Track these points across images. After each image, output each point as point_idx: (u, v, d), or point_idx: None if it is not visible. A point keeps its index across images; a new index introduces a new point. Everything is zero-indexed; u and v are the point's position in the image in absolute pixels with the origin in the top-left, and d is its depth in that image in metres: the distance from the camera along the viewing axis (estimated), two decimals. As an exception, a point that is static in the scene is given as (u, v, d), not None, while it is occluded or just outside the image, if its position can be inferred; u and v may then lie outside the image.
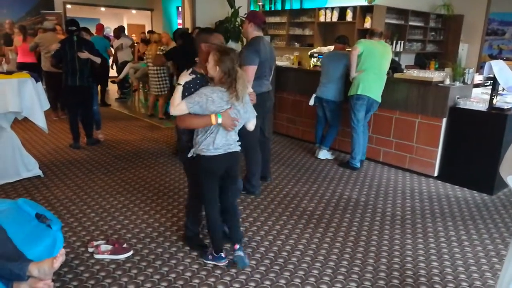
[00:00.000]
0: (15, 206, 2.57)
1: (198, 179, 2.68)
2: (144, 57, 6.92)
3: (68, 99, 5.39)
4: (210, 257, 2.76)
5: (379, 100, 4.63)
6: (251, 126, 2.73)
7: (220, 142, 2.54)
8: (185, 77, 2.55)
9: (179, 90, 2.50)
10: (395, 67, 5.21)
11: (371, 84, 4.54)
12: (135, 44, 9.65)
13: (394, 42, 7.78)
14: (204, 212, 2.75)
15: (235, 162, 2.71)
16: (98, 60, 5.24)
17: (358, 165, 4.81)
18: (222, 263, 2.72)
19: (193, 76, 2.56)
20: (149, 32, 9.62)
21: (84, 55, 5.06)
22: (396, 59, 6.55)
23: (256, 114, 2.73)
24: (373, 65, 4.52)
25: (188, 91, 2.51)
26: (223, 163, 2.61)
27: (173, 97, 2.50)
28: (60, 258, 2.06)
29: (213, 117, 2.43)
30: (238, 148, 2.67)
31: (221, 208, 2.77)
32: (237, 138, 2.68)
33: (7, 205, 2.58)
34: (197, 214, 2.96)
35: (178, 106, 2.45)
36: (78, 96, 5.24)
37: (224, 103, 2.46)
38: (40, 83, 4.13)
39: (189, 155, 2.62)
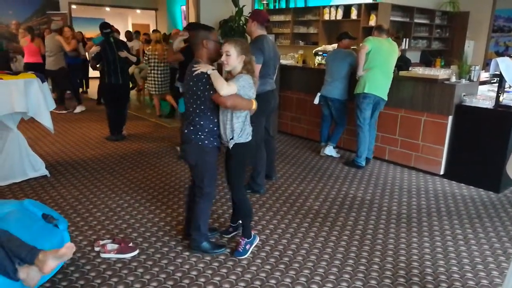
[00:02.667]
0: (21, 207, 2.60)
1: (239, 167, 2.78)
2: (146, 57, 6.91)
3: (109, 96, 5.77)
4: (248, 246, 2.86)
5: (386, 98, 4.61)
6: None
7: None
8: (208, 66, 2.57)
9: (217, 74, 2.53)
10: (401, 65, 5.18)
11: (378, 82, 4.52)
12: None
13: (405, 40, 7.70)
14: (240, 199, 2.84)
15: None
16: (134, 59, 5.69)
17: (364, 163, 4.79)
18: (256, 242, 2.95)
19: (213, 67, 2.61)
20: (153, 31, 9.65)
21: (124, 54, 5.47)
22: (408, 57, 6.52)
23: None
24: (380, 63, 4.49)
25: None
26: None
27: (218, 80, 2.50)
28: (64, 250, 2.07)
29: (254, 102, 2.63)
30: None
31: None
32: None
33: (13, 207, 2.60)
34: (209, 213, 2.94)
35: (230, 86, 2.52)
36: (120, 93, 5.65)
37: (253, 89, 2.66)
38: (46, 83, 4.15)
39: (231, 145, 2.67)
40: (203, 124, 2.65)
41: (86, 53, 8.46)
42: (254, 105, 2.65)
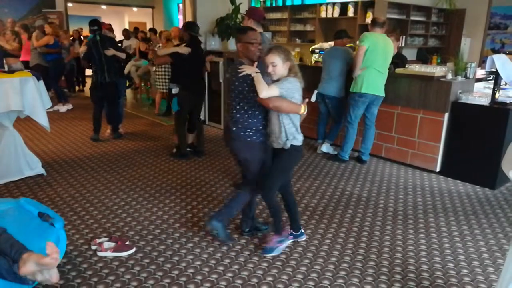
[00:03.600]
0: (17, 205, 2.59)
1: (284, 170, 2.81)
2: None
3: (95, 94, 5.63)
4: (279, 244, 2.87)
5: (383, 94, 4.61)
6: None
7: None
8: (252, 68, 2.62)
9: (260, 77, 2.56)
10: (397, 62, 5.19)
11: (374, 81, 4.51)
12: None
13: (401, 38, 7.69)
14: (271, 199, 2.82)
15: None
16: (123, 55, 5.55)
17: (347, 157, 4.83)
18: (303, 238, 3.03)
19: (257, 69, 2.64)
20: (150, 30, 9.63)
21: (110, 52, 5.33)
22: (404, 55, 6.52)
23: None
24: (375, 61, 4.47)
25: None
26: None
27: (259, 82, 2.54)
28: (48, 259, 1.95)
29: (303, 107, 2.64)
30: None
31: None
32: None
33: (9, 205, 2.59)
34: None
35: (270, 89, 2.55)
36: (106, 92, 5.51)
37: (300, 92, 2.68)
38: (41, 81, 4.13)
39: (287, 147, 2.70)
40: (251, 122, 2.74)
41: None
42: (303, 110, 2.64)
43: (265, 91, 2.53)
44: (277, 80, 2.64)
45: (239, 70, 2.62)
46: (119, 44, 5.63)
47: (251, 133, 2.75)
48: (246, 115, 2.73)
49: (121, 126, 6.03)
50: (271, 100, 2.57)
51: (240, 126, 2.75)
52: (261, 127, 2.77)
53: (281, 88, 2.57)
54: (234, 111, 2.76)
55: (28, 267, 1.93)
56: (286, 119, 2.66)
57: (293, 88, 2.62)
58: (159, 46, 6.57)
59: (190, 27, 4.80)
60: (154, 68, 7.01)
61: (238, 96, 2.71)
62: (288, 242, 2.95)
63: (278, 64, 2.60)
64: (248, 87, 2.65)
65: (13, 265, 1.96)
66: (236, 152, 2.85)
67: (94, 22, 5.39)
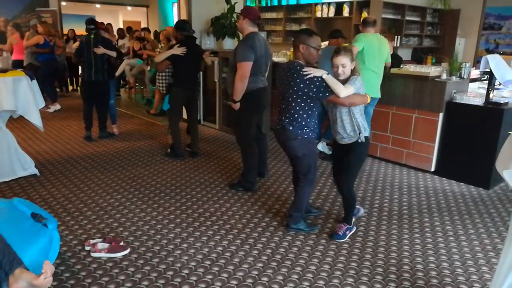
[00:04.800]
0: (10, 206, 2.56)
1: (359, 163, 3.05)
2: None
3: (85, 92, 5.66)
4: (347, 232, 3.10)
5: (379, 95, 4.60)
6: None
7: None
8: (320, 71, 2.80)
9: (333, 79, 2.77)
10: (392, 62, 5.18)
11: (370, 84, 4.48)
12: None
13: (396, 38, 7.71)
14: (350, 192, 3.07)
15: None
16: (114, 54, 5.51)
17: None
18: (354, 230, 3.18)
19: (326, 71, 2.83)
20: (143, 29, 9.58)
21: (100, 50, 5.30)
22: (399, 55, 6.53)
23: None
24: (371, 62, 4.44)
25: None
26: None
27: (336, 84, 2.74)
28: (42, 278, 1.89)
29: (368, 96, 2.87)
30: None
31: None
32: None
33: (2, 205, 2.56)
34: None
35: (347, 89, 2.74)
36: (95, 90, 5.52)
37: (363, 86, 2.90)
38: (35, 81, 4.10)
39: (361, 140, 2.87)
40: (309, 121, 2.92)
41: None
42: (369, 98, 2.89)
43: (345, 91, 2.72)
44: (345, 80, 2.80)
45: (305, 73, 2.78)
46: (115, 44, 5.59)
47: (308, 131, 2.94)
48: (305, 115, 2.89)
49: (115, 126, 5.99)
50: (347, 98, 2.75)
51: (298, 125, 2.90)
52: (315, 125, 3.01)
53: (355, 87, 2.77)
54: (292, 111, 2.89)
55: (19, 284, 1.89)
56: (357, 113, 2.85)
57: (361, 86, 2.83)
58: (160, 50, 6.52)
59: (180, 27, 4.77)
60: (148, 68, 6.98)
61: (301, 97, 2.83)
62: (352, 231, 3.16)
63: (347, 65, 2.78)
64: (316, 88, 2.78)
65: (2, 282, 1.92)
66: (295, 149, 2.99)
67: (91, 21, 5.44)
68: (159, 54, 5.23)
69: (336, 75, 2.81)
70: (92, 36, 5.32)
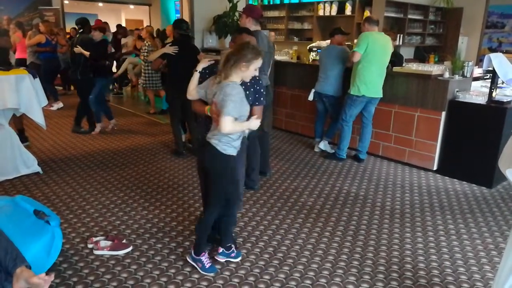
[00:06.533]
0: (12, 203, 2.58)
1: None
2: (145, 52, 6.84)
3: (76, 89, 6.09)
4: (233, 254, 2.75)
5: (381, 95, 4.59)
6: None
7: None
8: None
9: None
10: (394, 61, 5.18)
11: (373, 84, 4.47)
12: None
13: (399, 36, 7.69)
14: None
15: None
16: (86, 54, 5.52)
17: (345, 156, 4.84)
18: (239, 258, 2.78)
19: None
20: (146, 27, 9.59)
21: (77, 50, 5.46)
22: (401, 54, 6.52)
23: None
24: (375, 62, 4.43)
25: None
26: None
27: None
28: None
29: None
30: None
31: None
32: None
33: (4, 202, 2.58)
34: None
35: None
36: (77, 88, 6.00)
37: None
38: (38, 79, 4.11)
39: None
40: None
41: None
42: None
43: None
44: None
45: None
46: (97, 44, 5.65)
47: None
48: None
49: (102, 123, 5.97)
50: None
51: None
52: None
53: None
54: None
55: (19, 284, 1.93)
56: None
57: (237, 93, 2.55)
58: (146, 48, 6.61)
59: (177, 25, 4.80)
60: (143, 67, 6.98)
61: None
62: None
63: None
64: None
65: (6, 282, 1.94)
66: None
67: (78, 21, 5.70)
68: (153, 53, 5.24)
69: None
70: (77, 36, 5.60)
